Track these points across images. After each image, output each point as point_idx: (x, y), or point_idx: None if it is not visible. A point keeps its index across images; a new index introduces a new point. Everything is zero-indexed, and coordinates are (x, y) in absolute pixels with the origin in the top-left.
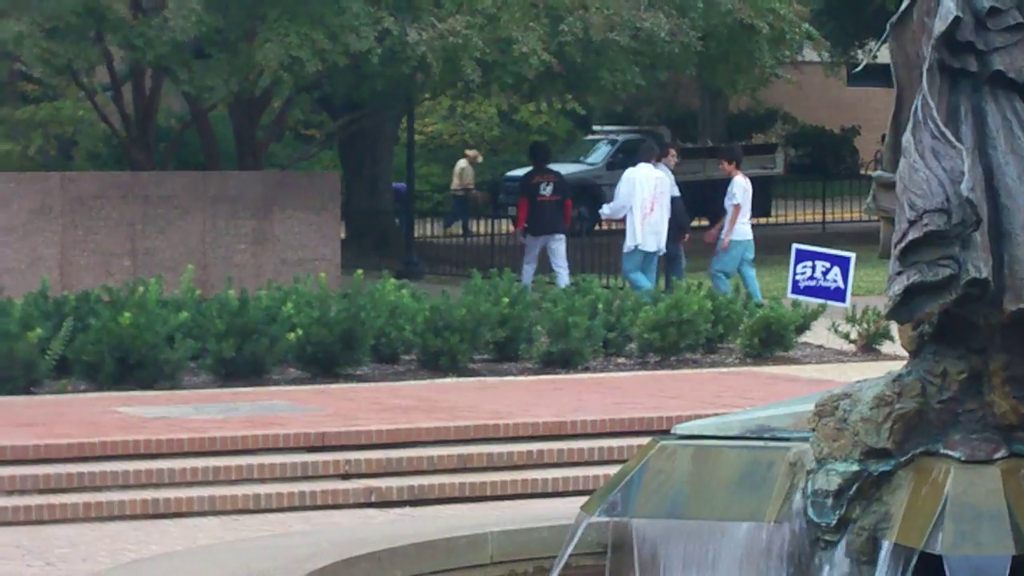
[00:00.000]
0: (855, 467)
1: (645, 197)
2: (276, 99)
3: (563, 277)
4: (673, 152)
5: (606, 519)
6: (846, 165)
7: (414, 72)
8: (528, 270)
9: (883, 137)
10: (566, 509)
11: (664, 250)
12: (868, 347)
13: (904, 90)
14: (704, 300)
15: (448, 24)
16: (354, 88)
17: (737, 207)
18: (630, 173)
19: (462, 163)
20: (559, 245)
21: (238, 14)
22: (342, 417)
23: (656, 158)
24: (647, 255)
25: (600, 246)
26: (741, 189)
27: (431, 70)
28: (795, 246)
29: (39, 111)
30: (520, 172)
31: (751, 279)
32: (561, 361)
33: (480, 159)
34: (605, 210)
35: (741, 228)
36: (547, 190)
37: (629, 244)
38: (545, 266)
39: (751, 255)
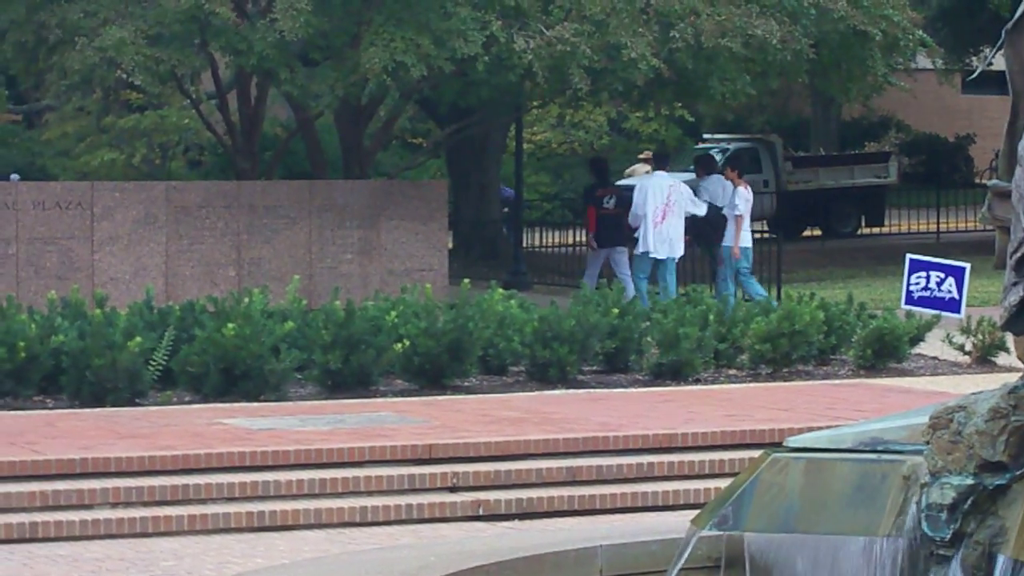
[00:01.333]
0: (970, 480)
1: (657, 205)
2: (382, 107)
3: (630, 286)
4: (730, 170)
5: (717, 533)
6: (961, 174)
7: (521, 80)
8: (592, 278)
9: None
10: (676, 523)
11: (680, 255)
12: (983, 359)
13: (1020, 97)
14: (816, 311)
15: (556, 31)
16: (460, 95)
17: (740, 217)
18: (644, 181)
19: (643, 167)
20: (622, 256)
21: (344, 19)
22: (449, 429)
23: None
24: (659, 262)
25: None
26: (744, 200)
27: (537, 78)
28: (909, 256)
29: (143, 120)
30: (631, 181)
31: (744, 286)
32: (671, 372)
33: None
34: None
35: (742, 235)
36: (610, 203)
37: (640, 249)
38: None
39: (747, 264)
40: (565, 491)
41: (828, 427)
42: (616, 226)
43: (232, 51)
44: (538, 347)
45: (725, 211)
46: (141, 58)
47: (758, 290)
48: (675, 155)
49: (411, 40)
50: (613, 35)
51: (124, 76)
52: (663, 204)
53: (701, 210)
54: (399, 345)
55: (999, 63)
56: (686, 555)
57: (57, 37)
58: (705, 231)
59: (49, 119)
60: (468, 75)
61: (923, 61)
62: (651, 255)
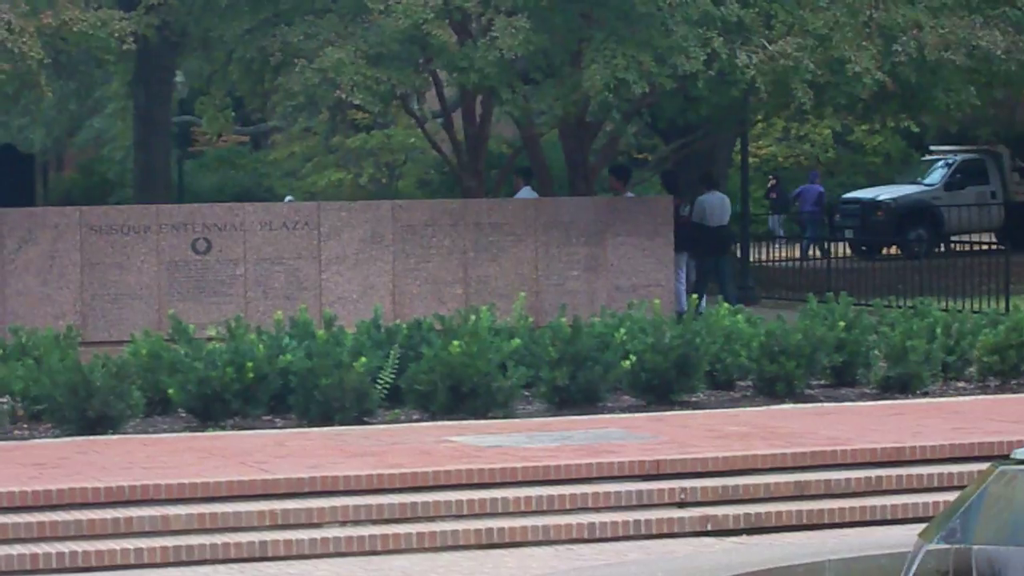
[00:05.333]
0: None
1: None
2: (608, 123)
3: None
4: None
5: (945, 546)
6: None
7: (744, 95)
8: (679, 286)
9: None
10: (905, 536)
11: None
12: None
13: None
14: None
15: (778, 46)
16: (680, 112)
17: None
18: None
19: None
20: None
21: (564, 36)
22: (677, 444)
23: None
24: None
25: (938, 268)
26: None
27: (760, 93)
28: None
29: (370, 139)
30: (859, 194)
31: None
32: (899, 386)
33: None
34: None
35: None
36: (686, 211)
37: None
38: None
39: None
40: (793, 506)
41: None
42: (689, 231)
43: (454, 69)
44: (765, 361)
45: None
46: (360, 78)
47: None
48: (902, 167)
49: (632, 57)
50: (836, 49)
51: (343, 96)
52: None
53: None
54: (626, 361)
55: None
56: (914, 569)
57: (279, 59)
58: (709, 245)
59: (276, 140)
60: (689, 91)
61: None
62: None
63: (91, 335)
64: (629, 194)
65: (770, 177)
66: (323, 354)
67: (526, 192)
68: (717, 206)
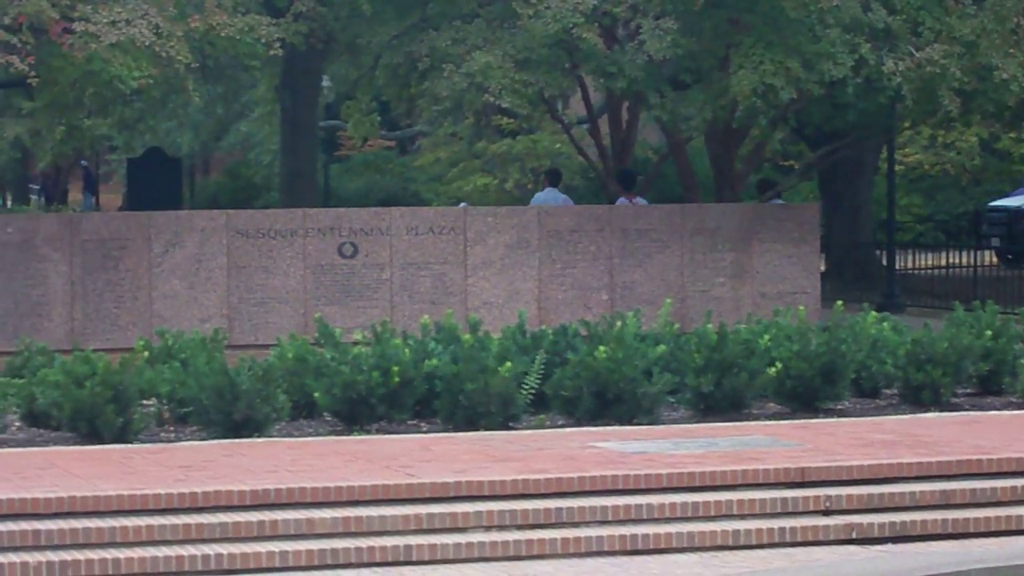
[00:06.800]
0: None
1: None
2: (754, 129)
3: None
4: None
5: None
6: None
7: (891, 102)
8: None
9: None
10: None
11: None
12: None
13: None
14: None
15: (925, 53)
16: (827, 119)
17: None
18: (536, 198)
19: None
20: None
21: (712, 41)
22: (822, 452)
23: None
24: None
25: None
26: None
27: (906, 100)
28: None
29: (515, 145)
30: (1005, 202)
31: None
32: None
33: None
34: None
35: None
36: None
37: None
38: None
39: None
40: (939, 514)
41: None
42: None
43: (602, 75)
44: (911, 369)
45: None
46: (508, 81)
47: None
48: None
49: (780, 63)
50: (983, 56)
51: (492, 100)
52: None
53: None
54: (772, 368)
55: None
56: None
57: (426, 65)
58: None
59: (422, 145)
60: (836, 98)
61: None
62: None
63: (237, 338)
64: (640, 199)
65: None
66: (469, 359)
67: (550, 193)
68: None
